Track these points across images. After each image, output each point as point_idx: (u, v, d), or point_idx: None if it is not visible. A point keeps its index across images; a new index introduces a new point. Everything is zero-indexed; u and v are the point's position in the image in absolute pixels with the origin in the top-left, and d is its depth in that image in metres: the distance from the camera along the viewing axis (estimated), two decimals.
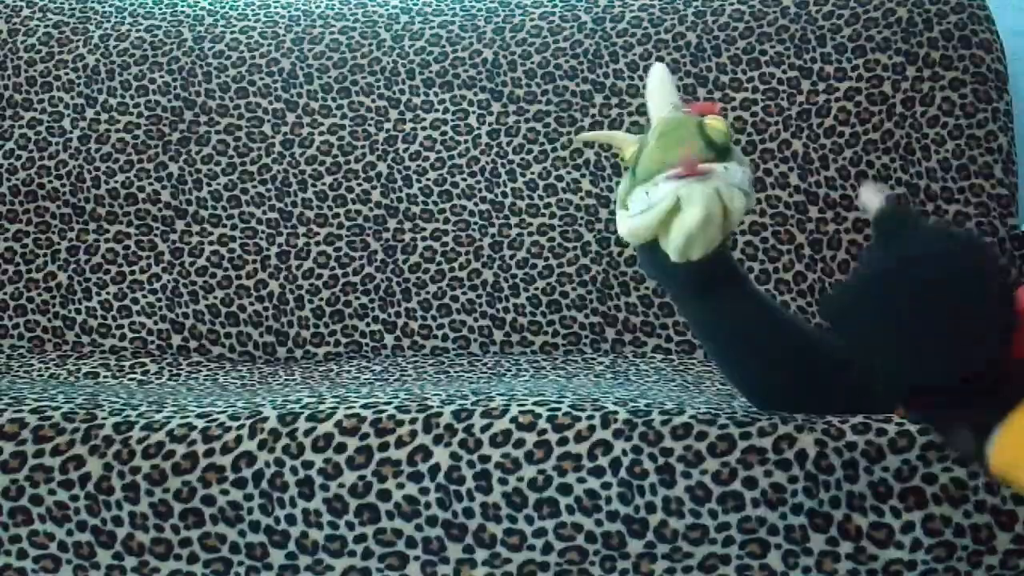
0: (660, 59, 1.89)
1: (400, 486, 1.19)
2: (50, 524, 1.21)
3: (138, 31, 1.96)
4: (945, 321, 0.98)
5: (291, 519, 1.20)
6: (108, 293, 1.84)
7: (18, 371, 1.67)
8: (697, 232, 1.16)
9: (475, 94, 1.91)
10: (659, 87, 1.25)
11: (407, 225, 1.86)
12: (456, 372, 1.66)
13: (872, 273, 1.03)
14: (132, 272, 1.85)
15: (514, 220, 1.85)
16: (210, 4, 2.00)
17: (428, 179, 1.88)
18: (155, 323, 1.83)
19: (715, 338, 1.28)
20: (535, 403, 1.23)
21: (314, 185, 1.88)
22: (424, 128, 1.90)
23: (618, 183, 1.22)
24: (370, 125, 1.91)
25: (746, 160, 1.20)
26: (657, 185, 1.17)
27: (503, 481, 1.18)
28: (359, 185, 1.88)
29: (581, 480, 1.18)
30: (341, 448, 1.20)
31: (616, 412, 1.21)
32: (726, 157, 1.17)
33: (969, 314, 0.98)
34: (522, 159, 1.87)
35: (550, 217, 1.84)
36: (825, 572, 1.16)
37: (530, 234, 1.84)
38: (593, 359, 1.73)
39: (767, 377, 1.26)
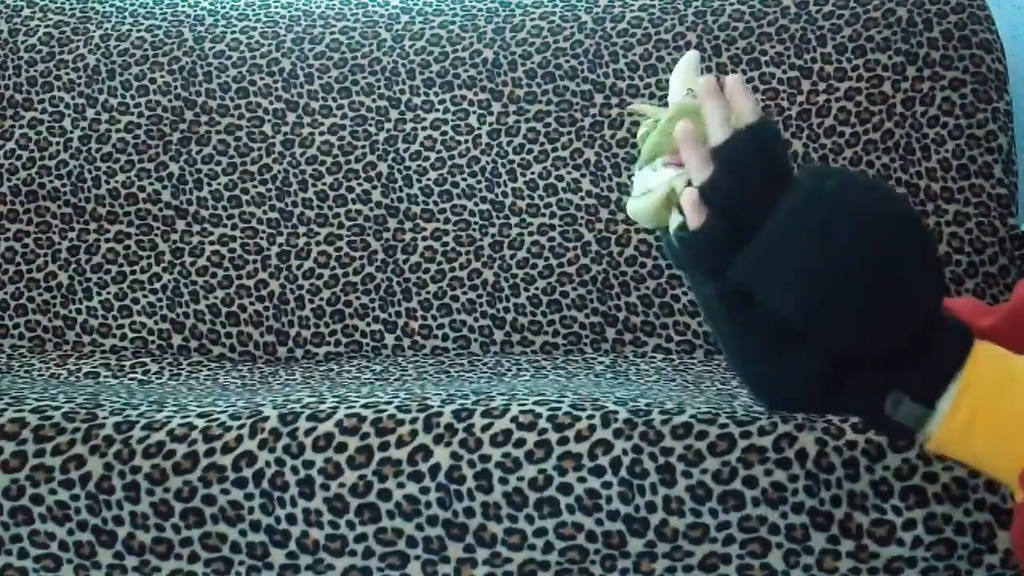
0: (660, 59, 1.89)
1: (401, 485, 1.19)
2: (51, 524, 1.21)
3: (139, 31, 1.97)
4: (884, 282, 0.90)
5: (292, 519, 1.20)
6: (108, 293, 1.84)
7: (19, 371, 1.67)
8: None
9: (475, 94, 1.91)
10: (680, 72, 1.25)
11: (407, 225, 1.86)
12: (456, 372, 1.66)
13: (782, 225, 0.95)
14: (132, 272, 1.85)
15: (514, 220, 1.85)
16: (210, 4, 2.00)
17: (428, 179, 1.88)
18: (155, 323, 1.83)
19: (718, 322, 1.29)
20: (535, 403, 1.23)
21: (314, 185, 1.88)
22: (424, 128, 1.90)
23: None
24: (370, 125, 1.91)
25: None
26: (656, 170, 1.17)
27: (503, 480, 1.18)
28: (359, 185, 1.88)
29: (581, 479, 1.18)
30: (342, 448, 1.20)
31: (616, 412, 1.21)
32: None
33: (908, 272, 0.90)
34: (522, 159, 1.87)
35: (550, 217, 1.84)
36: (826, 570, 1.17)
37: (530, 234, 1.84)
38: (593, 359, 1.73)
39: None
